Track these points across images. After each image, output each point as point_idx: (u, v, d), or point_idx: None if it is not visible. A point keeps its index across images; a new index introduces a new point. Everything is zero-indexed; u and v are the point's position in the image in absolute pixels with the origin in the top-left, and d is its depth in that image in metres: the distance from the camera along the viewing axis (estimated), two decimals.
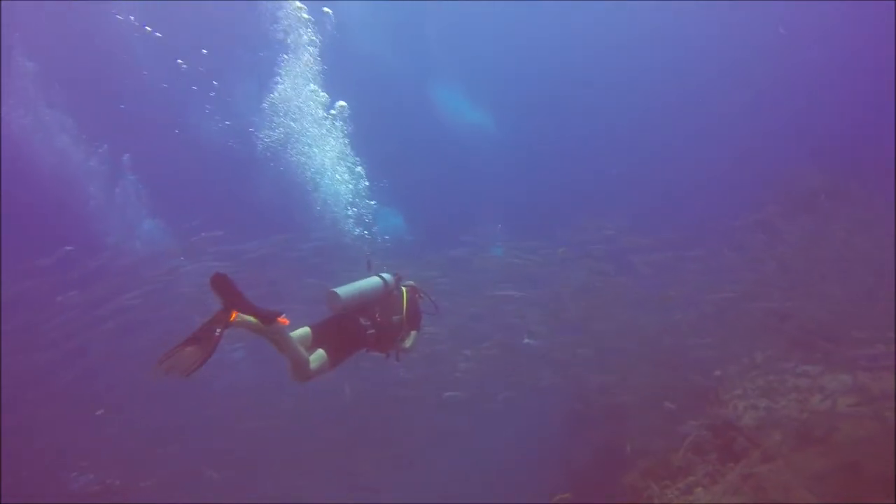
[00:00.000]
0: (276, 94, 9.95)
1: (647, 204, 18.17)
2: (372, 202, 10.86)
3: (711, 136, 21.99)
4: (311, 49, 10.40)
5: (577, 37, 23.26)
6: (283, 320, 3.72)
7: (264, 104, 10.11)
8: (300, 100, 9.85)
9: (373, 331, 4.62)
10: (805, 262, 12.91)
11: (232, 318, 3.43)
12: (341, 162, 10.33)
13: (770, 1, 21.46)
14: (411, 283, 5.26)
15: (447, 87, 24.66)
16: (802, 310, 11.92)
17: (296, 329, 4.22)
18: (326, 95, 10.06)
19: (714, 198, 17.34)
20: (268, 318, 3.58)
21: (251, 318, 3.55)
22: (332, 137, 10.20)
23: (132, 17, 14.54)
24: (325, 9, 11.23)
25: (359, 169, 10.77)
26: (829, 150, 16.90)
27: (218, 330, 3.32)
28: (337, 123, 10.28)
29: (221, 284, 3.44)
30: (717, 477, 9.87)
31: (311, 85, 10.05)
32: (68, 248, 13.66)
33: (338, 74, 12.81)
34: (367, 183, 10.54)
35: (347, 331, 4.51)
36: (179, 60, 13.70)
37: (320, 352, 4.20)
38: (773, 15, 21.65)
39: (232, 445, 16.42)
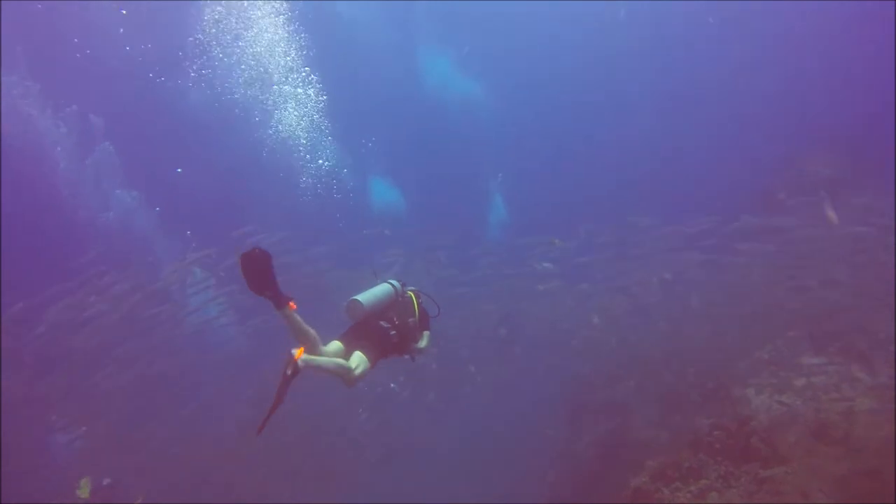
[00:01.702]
0: None
1: (653, 195, 17.43)
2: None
3: (718, 126, 21.17)
4: None
5: (587, 14, 22.04)
6: (299, 352, 3.95)
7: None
8: None
9: (394, 332, 4.88)
10: (818, 255, 12.28)
11: (297, 358, 3.88)
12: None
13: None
14: (413, 287, 5.55)
15: (437, 55, 23.36)
16: (816, 304, 11.32)
17: (327, 344, 4.46)
18: None
19: (721, 189, 16.63)
20: (288, 379, 3.88)
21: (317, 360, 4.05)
22: None
23: None
24: None
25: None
26: (841, 139, 16.23)
27: (289, 371, 3.85)
28: None
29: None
30: (731, 480, 9.35)
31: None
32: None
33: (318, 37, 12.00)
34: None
35: (374, 335, 4.77)
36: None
37: (359, 354, 4.48)
38: (781, 6, 20.76)
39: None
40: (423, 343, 5.34)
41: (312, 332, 4.21)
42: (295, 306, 4.07)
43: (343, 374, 4.23)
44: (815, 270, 12.23)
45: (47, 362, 14.58)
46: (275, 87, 11.64)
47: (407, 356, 5.27)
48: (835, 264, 12.16)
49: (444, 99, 23.78)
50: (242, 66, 11.46)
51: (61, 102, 12.87)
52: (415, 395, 16.88)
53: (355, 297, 4.84)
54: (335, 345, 4.52)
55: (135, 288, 13.55)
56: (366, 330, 4.77)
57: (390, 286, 5.16)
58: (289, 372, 3.81)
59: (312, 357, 4.01)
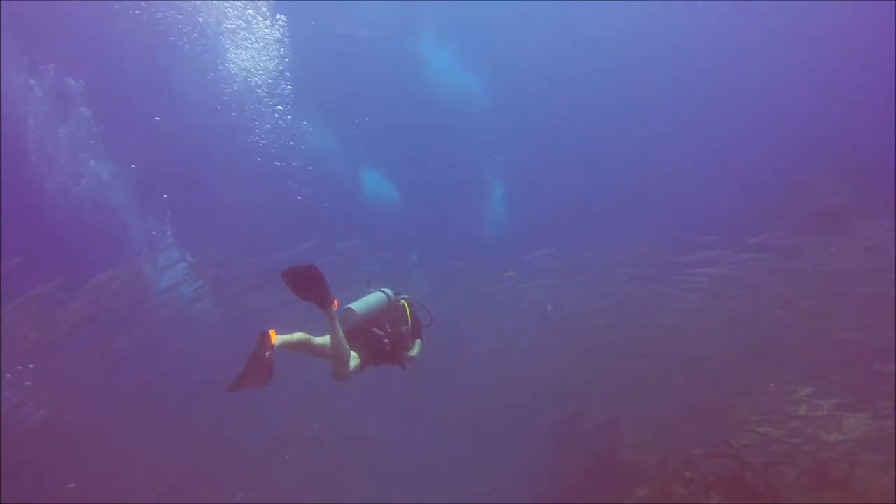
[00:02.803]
0: None
1: (655, 217, 16.87)
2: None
3: (722, 143, 20.64)
4: None
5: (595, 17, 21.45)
6: (335, 303, 4.24)
7: None
8: None
9: (387, 340, 4.95)
10: (823, 284, 11.80)
11: (273, 341, 3.92)
12: None
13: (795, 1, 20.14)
14: (406, 296, 5.58)
15: (439, 46, 22.58)
16: (819, 336, 10.83)
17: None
18: None
19: (723, 213, 16.10)
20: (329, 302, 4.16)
21: (290, 338, 4.12)
22: None
23: None
24: None
25: None
26: (850, 163, 15.79)
27: (267, 353, 3.82)
28: None
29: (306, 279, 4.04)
30: None
31: None
32: None
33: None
34: None
35: (367, 341, 4.84)
36: None
37: (353, 353, 4.59)
38: (797, 17, 20.33)
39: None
40: (415, 351, 5.42)
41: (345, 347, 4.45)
42: (273, 331, 4.12)
43: (342, 359, 4.39)
44: (822, 300, 11.70)
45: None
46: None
47: (398, 366, 5.30)
48: (843, 295, 11.65)
49: (444, 92, 23.05)
50: None
51: (37, 59, 11.89)
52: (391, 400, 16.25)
53: (349, 307, 4.88)
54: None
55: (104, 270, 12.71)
56: (359, 336, 4.85)
57: (384, 294, 5.24)
58: (330, 299, 4.14)
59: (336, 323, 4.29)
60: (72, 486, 10.50)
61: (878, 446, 9.14)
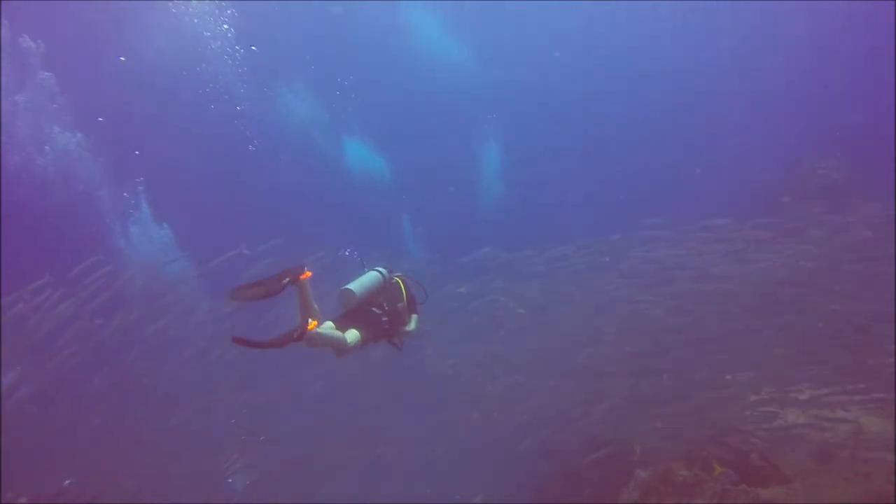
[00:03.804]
0: None
1: (655, 195, 16.49)
2: None
3: (722, 123, 20.24)
4: None
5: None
6: (313, 324, 4.19)
7: None
8: None
9: (385, 318, 5.12)
10: (826, 262, 11.55)
11: (304, 277, 4.20)
12: None
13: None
14: (400, 274, 5.74)
15: (423, 12, 21.63)
16: (823, 316, 10.59)
17: (321, 323, 4.59)
18: None
19: (723, 190, 15.76)
20: (292, 340, 4.01)
21: (309, 296, 4.31)
22: None
23: None
24: None
25: None
26: (854, 140, 15.53)
27: (286, 280, 3.98)
28: None
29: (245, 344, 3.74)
30: (728, 498, 8.58)
31: None
32: None
33: None
34: None
35: (366, 320, 4.98)
36: None
37: (354, 331, 4.72)
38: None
39: None
40: (411, 326, 5.60)
41: (316, 307, 4.49)
42: (310, 274, 4.27)
43: (339, 346, 4.52)
44: (824, 279, 11.47)
45: None
46: None
47: (395, 343, 5.43)
48: (846, 274, 11.42)
49: (429, 62, 22.13)
50: None
51: None
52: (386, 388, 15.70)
53: (348, 287, 4.98)
54: (329, 324, 4.69)
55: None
56: (358, 316, 5.00)
57: (378, 273, 5.36)
58: (295, 336, 4.02)
59: (321, 332, 4.29)
60: (68, 482, 9.82)
61: (882, 427, 9.01)
